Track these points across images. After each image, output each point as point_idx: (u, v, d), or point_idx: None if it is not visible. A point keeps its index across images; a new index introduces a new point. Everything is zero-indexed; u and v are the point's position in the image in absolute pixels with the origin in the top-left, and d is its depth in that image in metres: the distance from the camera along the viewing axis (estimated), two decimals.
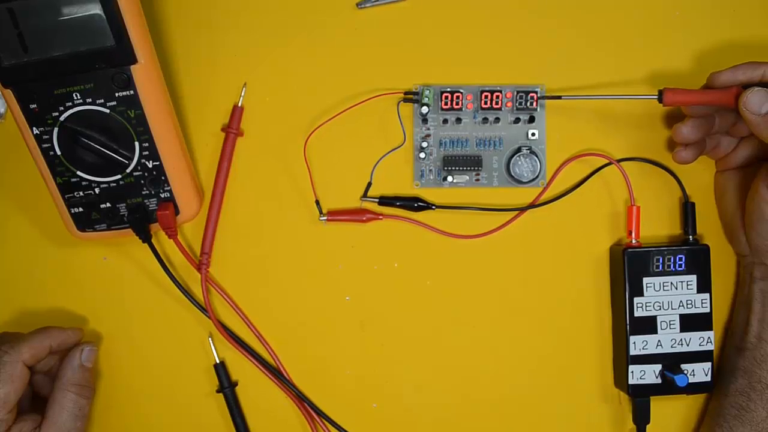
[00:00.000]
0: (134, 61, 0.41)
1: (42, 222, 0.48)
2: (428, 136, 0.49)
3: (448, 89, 0.48)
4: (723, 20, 0.49)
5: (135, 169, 0.43)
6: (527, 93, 0.48)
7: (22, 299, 0.49)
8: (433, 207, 0.49)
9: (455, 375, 0.49)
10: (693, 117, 0.46)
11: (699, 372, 0.47)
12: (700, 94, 0.44)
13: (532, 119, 0.49)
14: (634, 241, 0.48)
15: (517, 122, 0.49)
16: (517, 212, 0.49)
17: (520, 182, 0.49)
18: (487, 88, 0.48)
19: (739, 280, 0.49)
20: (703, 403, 0.50)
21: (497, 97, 0.48)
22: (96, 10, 0.39)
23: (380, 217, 0.49)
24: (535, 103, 0.48)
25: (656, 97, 0.44)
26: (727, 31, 0.49)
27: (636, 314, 0.47)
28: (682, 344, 0.47)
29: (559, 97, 0.47)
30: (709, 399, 0.49)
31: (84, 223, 0.45)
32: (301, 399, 0.48)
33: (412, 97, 0.48)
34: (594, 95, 0.48)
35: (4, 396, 0.41)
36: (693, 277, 0.47)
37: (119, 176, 0.43)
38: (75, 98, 0.41)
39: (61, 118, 0.42)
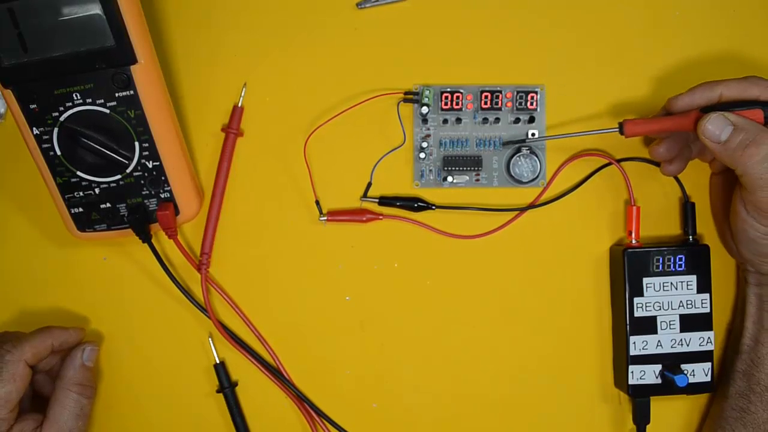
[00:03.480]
0: (134, 61, 0.41)
1: (42, 222, 0.48)
2: (428, 136, 0.49)
3: (448, 89, 0.48)
4: (724, 21, 0.49)
5: (135, 169, 0.43)
6: (527, 93, 0.48)
7: (23, 299, 0.49)
8: (433, 207, 0.49)
9: (455, 375, 0.49)
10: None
11: (699, 372, 0.47)
12: (660, 122, 0.43)
13: (532, 119, 0.49)
14: (634, 241, 0.48)
15: (517, 122, 0.49)
16: (517, 212, 0.49)
17: (520, 182, 0.49)
18: (487, 88, 0.48)
19: (738, 282, 0.49)
20: (703, 403, 0.50)
21: (497, 97, 0.48)
22: (96, 10, 0.39)
23: (380, 217, 0.49)
24: (535, 104, 0.48)
25: (617, 129, 0.44)
26: (727, 34, 0.49)
27: (636, 314, 0.47)
28: (682, 344, 0.47)
29: (524, 141, 0.48)
30: (711, 399, 0.49)
31: (84, 223, 0.45)
32: (301, 399, 0.48)
33: (412, 97, 0.48)
34: (556, 135, 0.48)
35: (6, 395, 0.41)
36: (693, 277, 0.47)
37: (119, 176, 0.43)
38: (75, 98, 0.41)
39: (61, 119, 0.42)
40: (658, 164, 0.49)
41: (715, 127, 0.40)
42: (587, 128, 0.49)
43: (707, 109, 0.42)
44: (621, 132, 0.44)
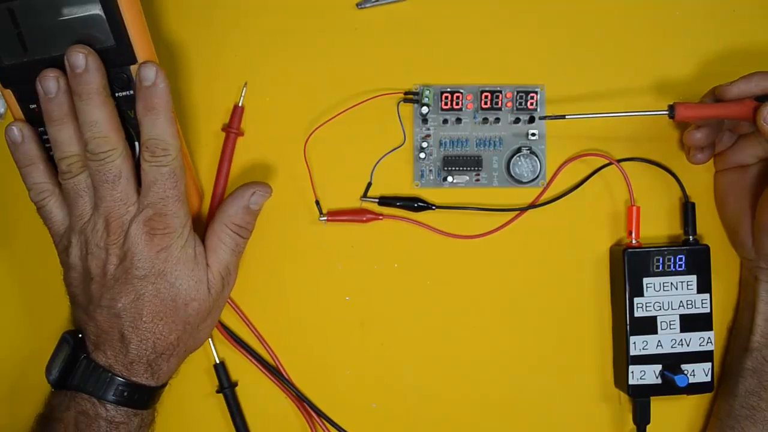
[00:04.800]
0: (134, 61, 0.41)
1: (42, 222, 0.48)
2: (428, 136, 0.49)
3: (448, 89, 0.48)
4: (725, 20, 0.49)
5: None
6: (527, 93, 0.48)
7: (22, 299, 0.49)
8: (433, 207, 0.49)
9: (455, 375, 0.49)
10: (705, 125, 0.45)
11: (699, 372, 0.47)
12: (713, 109, 0.43)
13: (532, 119, 0.49)
14: (634, 242, 0.48)
15: (517, 122, 0.49)
16: (517, 212, 0.49)
17: (520, 182, 0.49)
18: (487, 88, 0.48)
19: (741, 281, 0.49)
20: (704, 403, 0.50)
21: (497, 97, 0.48)
22: (96, 10, 0.39)
23: (380, 217, 0.48)
24: (535, 104, 0.48)
25: (666, 112, 0.43)
26: (728, 32, 0.49)
27: (636, 314, 0.47)
28: (682, 344, 0.47)
29: (563, 117, 0.47)
30: (714, 399, 0.49)
31: None
32: (300, 399, 0.48)
33: (412, 97, 0.48)
34: (600, 113, 0.47)
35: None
36: (693, 278, 0.47)
37: None
38: None
39: None
40: (657, 164, 0.49)
41: None
42: (586, 127, 0.49)
43: (762, 99, 0.41)
44: (671, 115, 0.43)
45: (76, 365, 0.41)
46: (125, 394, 0.41)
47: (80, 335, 0.42)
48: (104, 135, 0.40)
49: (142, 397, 0.42)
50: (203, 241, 0.44)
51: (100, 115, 0.40)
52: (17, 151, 0.42)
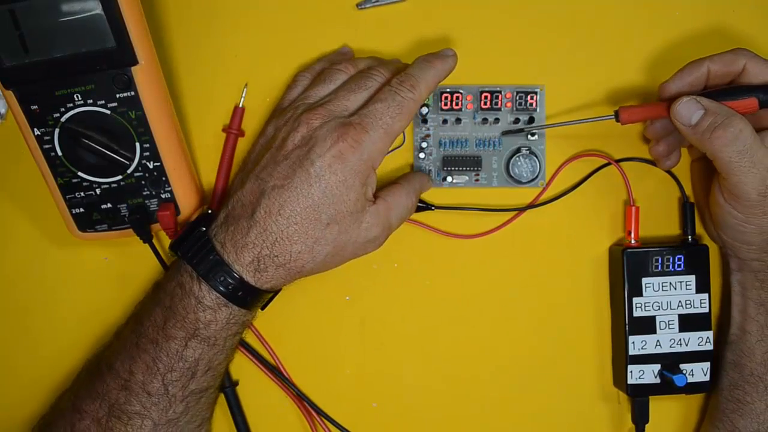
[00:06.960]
0: (135, 62, 0.41)
1: (43, 222, 0.48)
2: (428, 136, 0.49)
3: (448, 89, 0.48)
4: (724, 21, 0.49)
5: (136, 169, 0.44)
6: (527, 93, 0.48)
7: (23, 300, 0.49)
8: (433, 207, 0.49)
9: (455, 375, 0.49)
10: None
11: (698, 372, 0.47)
12: (653, 108, 0.44)
13: (531, 120, 0.49)
14: (633, 242, 0.48)
15: (517, 122, 0.49)
16: (516, 212, 0.49)
17: (519, 182, 0.49)
18: (487, 88, 0.48)
19: (722, 272, 0.49)
20: (702, 402, 0.50)
21: (497, 97, 0.48)
22: (97, 11, 0.39)
23: None
24: (535, 104, 0.48)
25: (612, 117, 0.44)
26: (728, 32, 0.49)
27: (635, 314, 0.47)
28: (681, 344, 0.47)
29: (522, 130, 0.48)
30: (708, 396, 0.50)
31: (85, 223, 0.45)
32: (301, 398, 0.49)
33: None
34: (553, 123, 0.48)
35: (400, 131, 0.42)
36: (692, 278, 0.47)
37: (120, 177, 0.44)
38: (76, 99, 0.41)
39: (63, 119, 0.42)
40: (655, 164, 0.49)
41: (686, 111, 0.41)
42: (586, 127, 0.49)
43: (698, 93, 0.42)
44: (617, 119, 0.44)
45: (193, 233, 0.42)
46: (222, 278, 0.40)
47: (210, 210, 0.45)
48: (383, 66, 0.44)
49: (237, 290, 0.40)
50: (386, 192, 0.44)
51: (401, 66, 0.45)
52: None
